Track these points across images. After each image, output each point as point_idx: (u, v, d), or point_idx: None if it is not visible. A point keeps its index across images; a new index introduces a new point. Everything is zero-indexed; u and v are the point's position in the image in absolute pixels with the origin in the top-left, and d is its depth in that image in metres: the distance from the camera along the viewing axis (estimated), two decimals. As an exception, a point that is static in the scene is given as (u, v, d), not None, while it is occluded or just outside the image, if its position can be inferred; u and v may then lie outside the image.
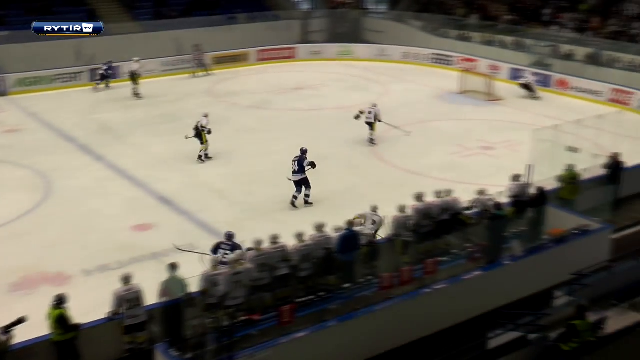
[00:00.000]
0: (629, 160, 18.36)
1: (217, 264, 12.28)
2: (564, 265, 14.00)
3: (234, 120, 25.93)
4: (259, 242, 12.57)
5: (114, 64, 31.07)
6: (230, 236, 13.33)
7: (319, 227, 13.16)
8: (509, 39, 34.79)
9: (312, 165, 18.22)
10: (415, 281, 13.16)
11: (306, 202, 18.34)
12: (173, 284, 11.53)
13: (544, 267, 14.17)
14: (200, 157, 21.58)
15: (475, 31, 36.64)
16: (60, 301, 10.87)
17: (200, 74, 33.27)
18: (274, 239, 12.71)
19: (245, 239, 13.61)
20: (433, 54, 35.88)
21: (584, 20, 34.14)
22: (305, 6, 47.85)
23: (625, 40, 31.53)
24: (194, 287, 11.64)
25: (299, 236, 12.86)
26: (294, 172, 18.14)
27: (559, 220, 15.23)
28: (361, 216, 14.21)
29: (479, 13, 38.40)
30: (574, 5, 35.68)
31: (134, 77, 29.58)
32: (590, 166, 16.95)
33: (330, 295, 12.35)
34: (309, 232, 13.12)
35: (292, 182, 18.18)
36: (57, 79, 30.90)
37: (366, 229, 13.78)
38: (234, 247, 13.59)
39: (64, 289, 11.78)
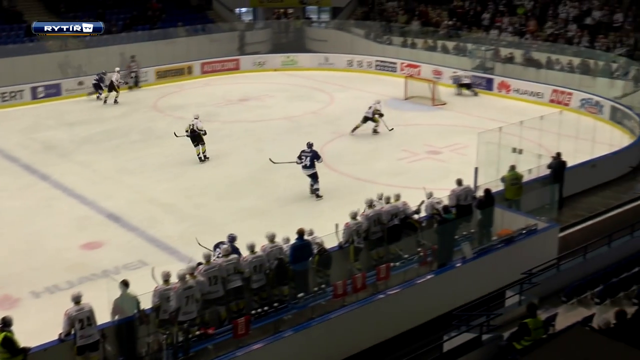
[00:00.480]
0: (570, 160, 18.77)
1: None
2: (514, 265, 14.22)
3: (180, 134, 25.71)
4: (208, 256, 12.49)
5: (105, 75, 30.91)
6: (232, 239, 13.53)
7: (271, 238, 13.14)
8: (450, 44, 35.28)
9: (319, 159, 19.06)
10: (368, 287, 13.24)
11: (317, 196, 18.99)
12: (125, 301, 11.37)
13: (495, 268, 14.38)
14: (200, 158, 22.41)
15: (417, 37, 37.06)
16: (5, 324, 10.61)
17: (135, 89, 32.88)
18: (225, 252, 12.64)
19: (195, 253, 13.55)
20: (377, 61, 36.17)
21: (521, 24, 34.84)
22: (247, 17, 47.92)
23: (562, 42, 32.28)
24: (146, 303, 11.51)
25: (251, 247, 12.81)
26: (306, 167, 18.84)
27: (506, 220, 15.48)
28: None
29: (420, 19, 38.87)
30: (512, 10, 36.40)
31: (115, 86, 30.19)
32: (534, 166, 17.26)
33: (284, 306, 12.31)
34: (261, 243, 13.10)
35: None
36: (-4, 98, 30.25)
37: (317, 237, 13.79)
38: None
39: (12, 312, 11.53)
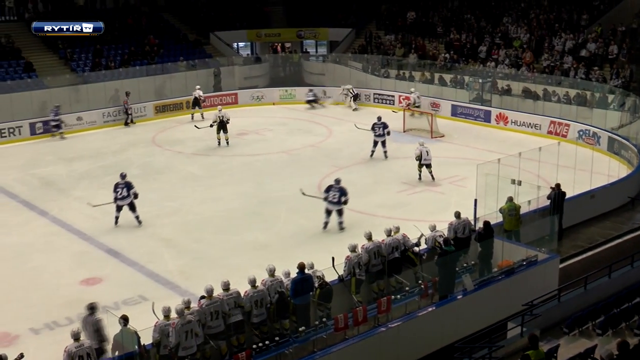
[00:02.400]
0: (569, 191, 18.81)
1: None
2: (515, 296, 14.21)
3: (178, 168, 25.80)
4: (210, 290, 12.44)
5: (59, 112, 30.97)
6: (338, 181, 18.01)
7: (271, 272, 13.11)
8: (447, 76, 35.51)
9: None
10: (369, 320, 13.18)
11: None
12: (125, 337, 11.31)
13: (496, 300, 14.34)
14: (219, 143, 28.29)
15: (415, 70, 37.30)
16: (0, 361, 10.57)
17: (131, 124, 32.93)
18: (226, 286, 12.60)
19: (195, 288, 13.50)
20: (375, 94, 36.37)
21: (518, 57, 35.10)
22: (245, 52, 48.30)
23: (559, 74, 32.51)
24: (146, 339, 11.44)
25: (252, 282, 12.77)
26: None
27: (507, 252, 15.47)
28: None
29: (417, 52, 39.14)
30: (508, 42, 36.69)
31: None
32: (534, 197, 17.28)
33: (285, 340, 12.24)
34: (261, 277, 13.07)
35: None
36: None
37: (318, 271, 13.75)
38: (341, 190, 19.05)
39: (11, 349, 11.49)
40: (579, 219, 19.37)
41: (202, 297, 12.45)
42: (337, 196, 19.21)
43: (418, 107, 32.56)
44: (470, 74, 34.68)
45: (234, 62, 40.85)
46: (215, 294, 12.39)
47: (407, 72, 37.30)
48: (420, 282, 14.33)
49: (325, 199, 19.40)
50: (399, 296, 13.79)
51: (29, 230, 20.21)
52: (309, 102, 36.35)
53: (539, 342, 11.06)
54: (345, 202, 19.23)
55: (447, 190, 22.45)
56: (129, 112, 32.97)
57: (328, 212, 19.37)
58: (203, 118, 33.13)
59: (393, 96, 35.52)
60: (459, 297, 14.01)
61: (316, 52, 49.72)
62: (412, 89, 34.03)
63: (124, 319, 11.42)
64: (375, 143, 26.06)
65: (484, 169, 17.32)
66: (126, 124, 32.86)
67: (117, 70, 35.98)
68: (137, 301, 15.42)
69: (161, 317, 11.70)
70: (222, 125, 28.17)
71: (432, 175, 23.25)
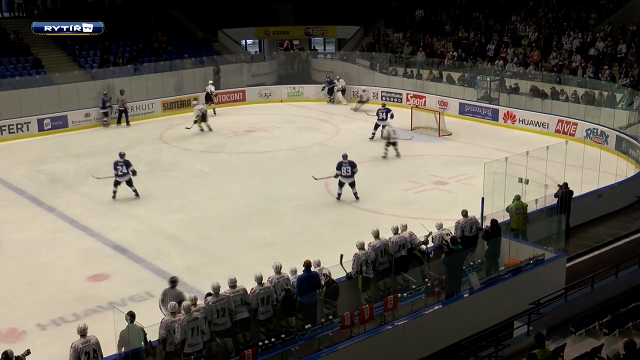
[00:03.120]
0: (576, 190, 18.77)
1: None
2: (521, 295, 14.20)
3: (186, 165, 25.83)
4: (217, 287, 12.45)
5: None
6: (345, 155, 20.61)
7: (278, 269, 13.12)
8: (455, 74, 35.43)
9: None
10: (376, 318, 13.18)
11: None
12: (131, 333, 11.33)
13: (503, 298, 14.33)
14: (208, 128, 30.31)
15: (423, 68, 37.25)
16: (6, 357, 10.59)
17: (122, 124, 32.53)
18: (233, 283, 12.61)
19: (202, 285, 13.53)
20: (383, 92, 36.35)
21: (526, 55, 35.01)
22: (253, 49, 48.32)
23: (567, 73, 32.42)
24: (152, 335, 11.47)
25: (258, 279, 12.78)
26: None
27: (514, 251, 15.44)
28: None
29: (425, 51, 39.08)
30: (516, 41, 36.60)
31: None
32: (541, 196, 17.25)
33: (292, 337, 12.25)
34: (268, 274, 13.08)
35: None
36: (3, 130, 30.32)
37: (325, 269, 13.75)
38: (351, 164, 21.04)
39: (17, 345, 11.53)
40: (587, 218, 19.33)
41: (209, 294, 12.47)
42: (349, 169, 21.09)
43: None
44: (479, 73, 34.61)
45: (242, 59, 40.85)
46: (221, 291, 12.40)
47: (415, 70, 37.24)
48: (426, 280, 14.33)
49: (338, 175, 21.23)
50: (405, 294, 13.78)
51: (37, 226, 20.26)
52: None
53: (545, 341, 11.04)
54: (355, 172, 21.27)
55: (454, 189, 22.42)
56: (122, 110, 32.51)
57: (341, 185, 21.32)
58: (215, 113, 33.33)
59: (400, 94, 35.47)
60: (465, 295, 14.00)
61: (324, 49, 49.67)
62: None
63: (131, 316, 11.43)
64: (377, 126, 27.61)
65: (492, 167, 17.30)
66: (118, 122, 32.46)
67: (125, 66, 36.02)
68: (144, 298, 15.46)
69: (167, 313, 11.72)
70: (203, 117, 30.36)
71: (397, 153, 26.06)
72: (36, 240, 19.17)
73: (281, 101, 37.33)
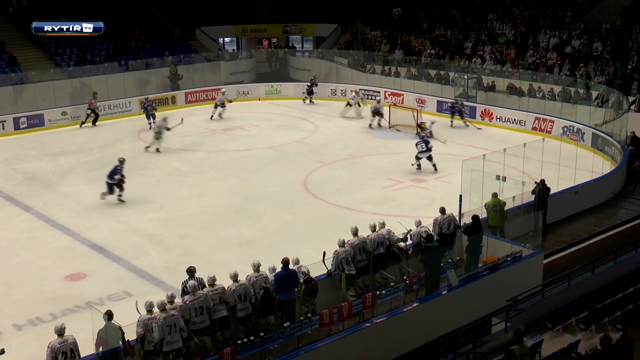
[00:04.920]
0: (553, 187, 18.90)
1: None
2: (499, 292, 14.28)
3: (164, 164, 25.72)
4: (195, 286, 12.42)
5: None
6: (420, 135, 23.47)
7: (256, 267, 13.10)
8: (433, 72, 35.56)
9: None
10: (355, 316, 13.20)
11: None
12: (109, 332, 11.27)
13: (481, 295, 14.40)
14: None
15: (401, 66, 37.35)
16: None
17: (89, 124, 31.83)
18: (212, 281, 12.58)
19: (180, 283, 13.48)
20: (360, 89, 36.36)
21: (503, 53, 35.20)
22: (231, 47, 48.17)
23: (543, 70, 32.65)
24: (130, 334, 11.41)
25: (234, 277, 12.75)
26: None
27: (491, 247, 15.53)
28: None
29: (402, 48, 39.18)
30: (493, 39, 36.80)
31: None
32: (518, 193, 17.36)
33: (270, 335, 12.25)
34: (247, 272, 13.06)
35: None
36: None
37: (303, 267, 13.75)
38: (425, 140, 23.84)
39: (-6, 345, 11.41)
40: (563, 215, 19.47)
41: (186, 293, 12.43)
42: (424, 145, 23.57)
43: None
44: (456, 70, 34.77)
45: (220, 57, 40.74)
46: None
47: (393, 68, 37.33)
48: (405, 277, 14.36)
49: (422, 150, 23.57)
50: (384, 292, 13.81)
51: (13, 225, 20.08)
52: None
53: (523, 337, 11.11)
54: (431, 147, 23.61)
55: (432, 186, 22.51)
56: (97, 113, 31.92)
57: (418, 159, 23.73)
58: (221, 117, 33.13)
59: (378, 92, 35.53)
60: (443, 292, 14.05)
61: (302, 47, 49.64)
62: (357, 90, 34.45)
63: (108, 315, 11.36)
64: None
65: (469, 164, 17.37)
66: (84, 123, 31.75)
67: (102, 65, 35.78)
68: (122, 297, 15.38)
69: (144, 312, 11.66)
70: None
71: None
72: (12, 239, 19.01)
73: (259, 99, 37.27)
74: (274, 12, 47.47)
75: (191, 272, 13.28)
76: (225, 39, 47.77)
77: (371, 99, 34.86)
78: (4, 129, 30.30)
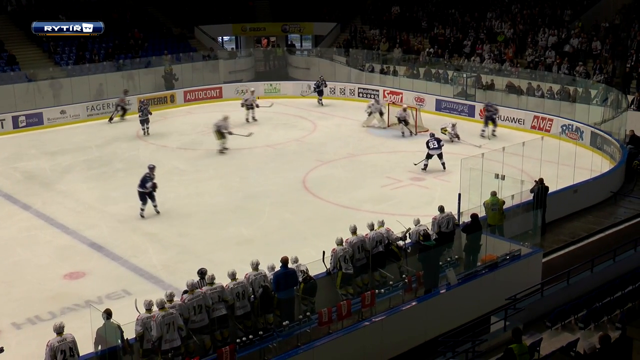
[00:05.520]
0: (552, 185, 18.91)
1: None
2: (498, 290, 14.29)
3: (163, 163, 25.62)
4: (195, 285, 12.42)
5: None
6: (432, 134, 23.68)
7: (255, 266, 13.11)
8: (432, 71, 35.55)
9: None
10: (354, 315, 13.20)
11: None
12: (108, 331, 11.27)
13: (479, 294, 14.40)
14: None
15: (399, 65, 37.34)
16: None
17: (117, 118, 32.45)
18: (211, 280, 12.58)
19: (180, 282, 13.48)
20: (359, 88, 36.39)
21: (501, 52, 35.20)
22: (230, 46, 48.17)
23: (542, 69, 32.66)
24: (129, 333, 11.41)
25: (232, 275, 12.76)
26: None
27: (490, 246, 15.53)
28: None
29: (401, 47, 39.18)
30: (492, 37, 36.79)
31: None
32: (517, 192, 17.37)
33: (269, 334, 12.25)
34: (246, 271, 13.06)
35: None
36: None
37: (302, 266, 13.75)
38: (437, 139, 23.86)
39: (-7, 344, 11.40)
40: (562, 214, 19.49)
41: (186, 292, 12.43)
42: (435, 143, 23.71)
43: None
44: (455, 69, 34.77)
45: (219, 56, 40.73)
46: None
47: (392, 67, 37.33)
48: (404, 276, 14.36)
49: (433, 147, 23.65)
50: (383, 290, 13.81)
51: (12, 224, 20.07)
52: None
53: (522, 336, 11.12)
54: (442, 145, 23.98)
55: (431, 185, 22.51)
56: (125, 108, 32.58)
57: (429, 157, 23.71)
58: (255, 119, 32.08)
59: (377, 91, 35.52)
60: (442, 291, 14.06)
61: (301, 46, 49.65)
62: (378, 99, 32.95)
63: (107, 313, 11.37)
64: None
65: (468, 163, 17.37)
66: (112, 119, 32.45)
67: (101, 63, 35.78)
68: (121, 295, 15.37)
69: (143, 311, 11.66)
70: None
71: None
72: (11, 238, 18.99)
73: (258, 98, 37.15)
74: (273, 11, 47.47)
75: (202, 274, 13.22)
76: (224, 37, 47.76)
77: (371, 98, 34.84)
78: (2, 127, 30.28)
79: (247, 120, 31.50)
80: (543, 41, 34.48)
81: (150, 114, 30.05)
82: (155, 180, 20.22)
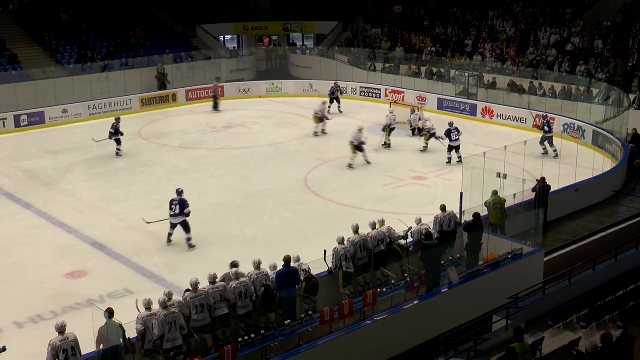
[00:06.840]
0: (554, 184, 18.90)
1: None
2: (500, 289, 14.29)
3: (164, 162, 25.70)
4: (195, 283, 12.41)
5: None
6: (452, 123, 23.87)
7: (257, 265, 13.11)
8: (434, 70, 35.54)
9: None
10: (355, 314, 13.20)
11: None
12: (110, 330, 11.27)
13: (481, 293, 14.39)
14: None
15: (401, 64, 37.32)
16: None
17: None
18: (212, 279, 12.58)
19: (181, 281, 13.48)
20: (361, 87, 36.36)
21: (503, 51, 35.18)
22: (232, 45, 48.16)
23: (544, 68, 32.64)
24: (131, 332, 11.41)
25: (236, 275, 12.76)
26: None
27: (492, 245, 15.53)
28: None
29: (403, 46, 39.16)
30: (494, 36, 36.77)
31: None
32: (519, 191, 17.35)
33: (271, 333, 12.25)
34: (248, 270, 13.06)
35: None
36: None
37: (304, 264, 13.75)
38: (459, 131, 23.78)
39: (-5, 343, 11.41)
40: (564, 213, 19.48)
41: (187, 290, 12.43)
42: (457, 134, 23.96)
43: None
44: (457, 68, 34.75)
45: (221, 54, 40.73)
46: (201, 287, 12.36)
47: (394, 66, 37.30)
48: (406, 275, 14.35)
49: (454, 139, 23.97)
50: (384, 289, 13.81)
51: (13, 223, 20.07)
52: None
53: (524, 335, 11.11)
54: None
55: (433, 184, 22.50)
56: (217, 97, 34.00)
57: (451, 149, 24.07)
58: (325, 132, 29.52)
59: (379, 90, 35.50)
60: (444, 290, 14.05)
61: (303, 45, 49.64)
62: (390, 111, 28.25)
63: (109, 312, 11.37)
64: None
65: (470, 162, 17.39)
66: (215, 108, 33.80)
67: (102, 62, 35.78)
68: (123, 294, 15.37)
69: (143, 310, 11.66)
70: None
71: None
72: (13, 237, 19.00)
73: (260, 97, 37.23)
74: (275, 10, 47.45)
75: (235, 265, 13.14)
76: (226, 36, 47.75)
77: (373, 97, 34.79)
78: (4, 126, 30.26)
79: (315, 133, 29.00)
80: (545, 40, 34.46)
81: (122, 134, 26.46)
82: (188, 208, 18.10)
